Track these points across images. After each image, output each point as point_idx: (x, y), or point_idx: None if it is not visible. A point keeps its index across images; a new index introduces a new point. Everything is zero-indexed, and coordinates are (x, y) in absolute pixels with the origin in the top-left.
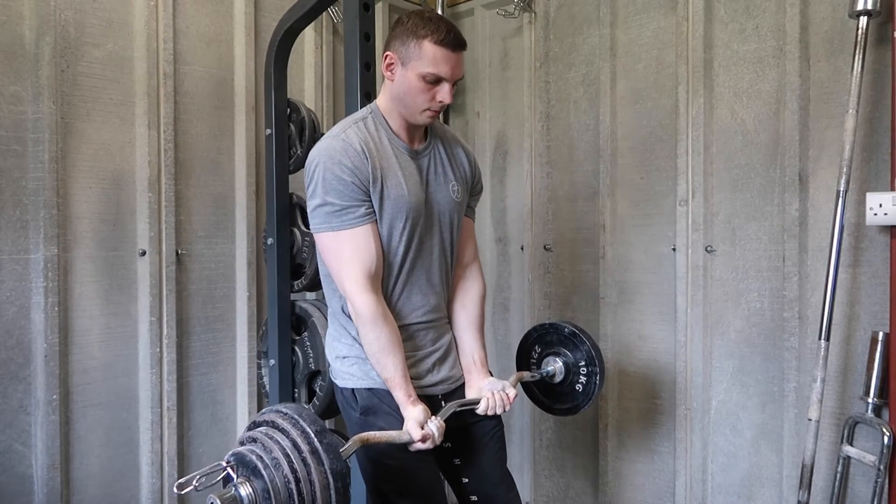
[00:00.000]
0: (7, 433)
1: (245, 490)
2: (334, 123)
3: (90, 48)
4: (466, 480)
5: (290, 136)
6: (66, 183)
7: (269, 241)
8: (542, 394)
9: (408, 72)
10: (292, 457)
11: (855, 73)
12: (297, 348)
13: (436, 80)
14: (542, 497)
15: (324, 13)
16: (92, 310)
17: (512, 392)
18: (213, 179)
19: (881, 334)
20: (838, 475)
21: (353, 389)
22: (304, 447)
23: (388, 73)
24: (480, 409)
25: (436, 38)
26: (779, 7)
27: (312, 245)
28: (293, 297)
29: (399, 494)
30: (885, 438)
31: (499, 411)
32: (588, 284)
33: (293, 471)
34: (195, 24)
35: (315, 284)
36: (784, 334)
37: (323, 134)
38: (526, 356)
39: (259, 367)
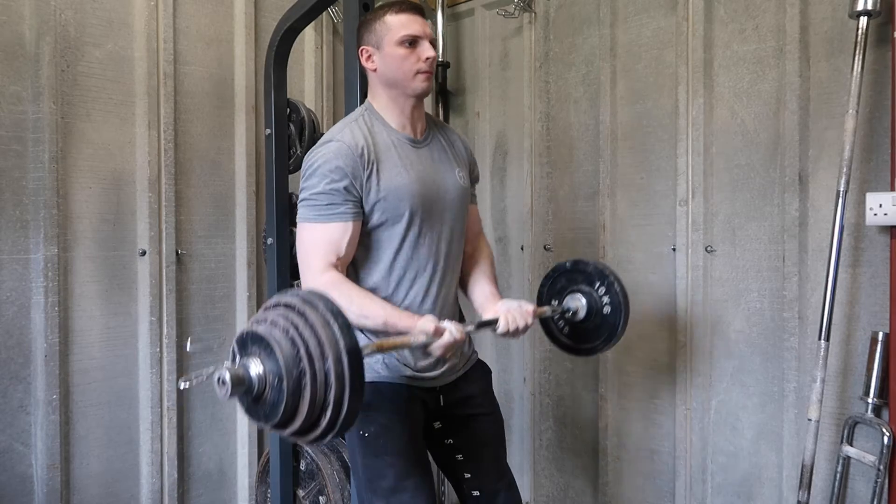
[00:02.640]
0: (7, 433)
1: (255, 367)
2: (334, 123)
3: (90, 48)
4: (469, 476)
5: (290, 136)
6: (66, 183)
7: (269, 241)
8: (561, 332)
9: (385, 50)
10: (307, 339)
11: (855, 73)
12: None
13: (413, 41)
14: (541, 497)
15: (324, 13)
16: (92, 310)
17: (530, 307)
18: (213, 179)
19: (881, 334)
20: (838, 475)
21: None
22: (322, 331)
23: (370, 65)
24: (500, 328)
25: (395, 10)
26: (779, 7)
27: None
28: None
29: (393, 493)
30: (885, 438)
31: (520, 325)
32: None
33: (308, 354)
34: (195, 24)
35: None
36: (784, 334)
37: (323, 134)
38: (548, 293)
39: None
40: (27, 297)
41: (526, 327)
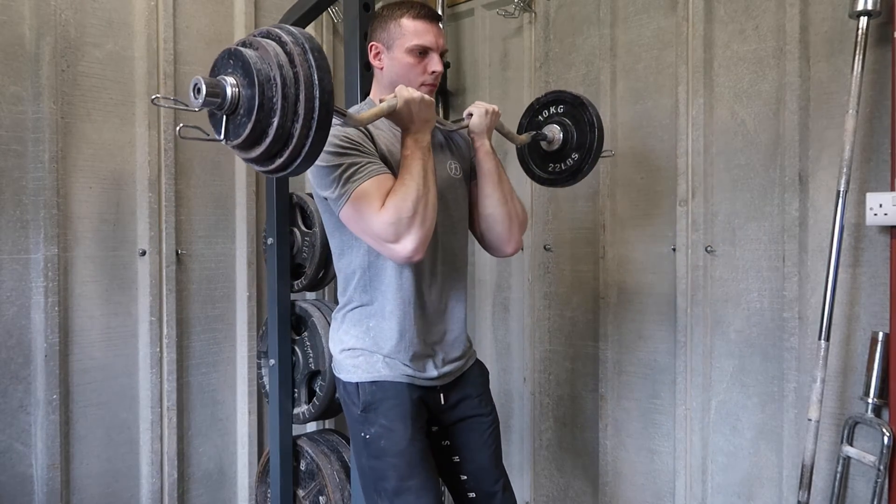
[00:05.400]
0: (7, 433)
1: (231, 83)
2: None
3: (90, 48)
4: (465, 478)
5: None
6: (66, 183)
7: (269, 241)
8: (534, 160)
9: (394, 53)
10: (285, 69)
11: (855, 73)
12: (296, 348)
13: (423, 52)
14: (541, 497)
15: (324, 13)
16: (92, 310)
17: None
18: (213, 179)
19: (881, 334)
20: (838, 475)
21: (357, 384)
22: (300, 66)
23: (377, 62)
24: (474, 115)
25: (412, 14)
26: (779, 7)
27: (312, 245)
28: (293, 297)
29: (397, 494)
30: (885, 439)
31: (492, 106)
32: (588, 284)
33: (283, 82)
34: (195, 24)
35: (315, 284)
36: (784, 334)
37: None
38: (530, 122)
39: (259, 367)
40: (27, 297)
41: (495, 109)
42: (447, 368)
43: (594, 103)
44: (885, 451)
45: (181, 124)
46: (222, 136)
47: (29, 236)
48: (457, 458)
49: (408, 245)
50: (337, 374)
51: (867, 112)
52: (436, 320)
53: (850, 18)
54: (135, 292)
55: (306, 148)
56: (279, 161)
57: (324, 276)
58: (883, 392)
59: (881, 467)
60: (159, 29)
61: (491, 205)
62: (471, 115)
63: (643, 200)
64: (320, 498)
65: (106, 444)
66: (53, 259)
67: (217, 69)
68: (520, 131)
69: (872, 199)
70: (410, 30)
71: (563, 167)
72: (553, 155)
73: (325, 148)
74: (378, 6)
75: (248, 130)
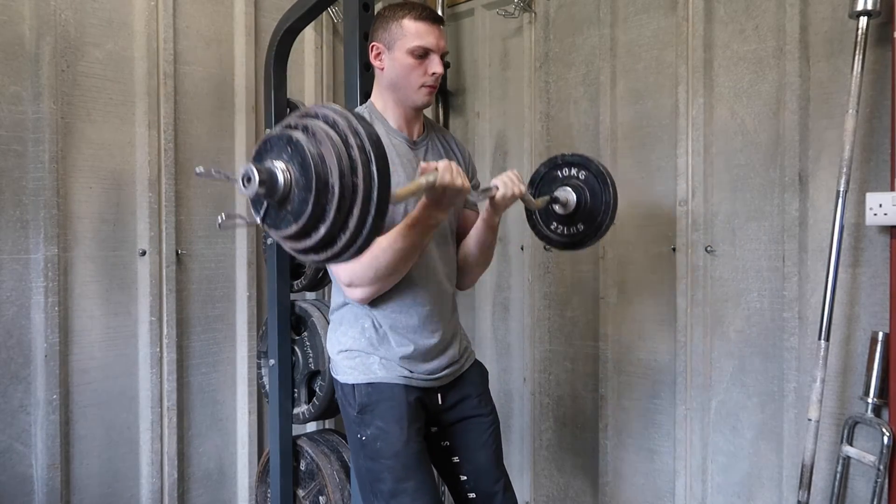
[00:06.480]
0: (7, 433)
1: (282, 169)
2: None
3: (90, 48)
4: (465, 478)
5: None
6: (66, 183)
7: (269, 241)
8: (551, 228)
9: (395, 53)
10: (340, 151)
11: (855, 73)
12: (296, 348)
13: (424, 54)
14: (541, 497)
15: (324, 13)
16: (92, 310)
17: (515, 171)
18: (214, 179)
19: (881, 334)
20: (838, 475)
21: (353, 385)
22: (353, 142)
23: (378, 63)
24: (500, 191)
25: (414, 15)
26: (779, 7)
27: None
28: (293, 297)
29: (393, 495)
30: (885, 438)
31: (517, 190)
32: (588, 284)
33: (340, 168)
34: (195, 24)
35: (315, 284)
36: (784, 334)
37: None
38: (545, 179)
39: (259, 367)
40: (27, 297)
41: (521, 193)
42: (445, 371)
43: (594, 103)
44: (884, 451)
45: (222, 213)
46: (261, 220)
47: (29, 236)
48: (456, 459)
49: (356, 294)
50: (334, 376)
51: (867, 112)
52: (430, 322)
53: (850, 18)
54: (135, 292)
55: (346, 255)
56: (315, 256)
57: (324, 276)
58: (883, 392)
59: (881, 467)
60: (159, 29)
61: (468, 263)
62: (497, 187)
63: (643, 200)
64: (320, 498)
65: (106, 444)
66: (53, 259)
67: (270, 149)
68: (536, 179)
69: (872, 199)
70: (412, 31)
71: (565, 232)
72: (560, 217)
73: None
74: (379, 6)
75: (291, 231)
